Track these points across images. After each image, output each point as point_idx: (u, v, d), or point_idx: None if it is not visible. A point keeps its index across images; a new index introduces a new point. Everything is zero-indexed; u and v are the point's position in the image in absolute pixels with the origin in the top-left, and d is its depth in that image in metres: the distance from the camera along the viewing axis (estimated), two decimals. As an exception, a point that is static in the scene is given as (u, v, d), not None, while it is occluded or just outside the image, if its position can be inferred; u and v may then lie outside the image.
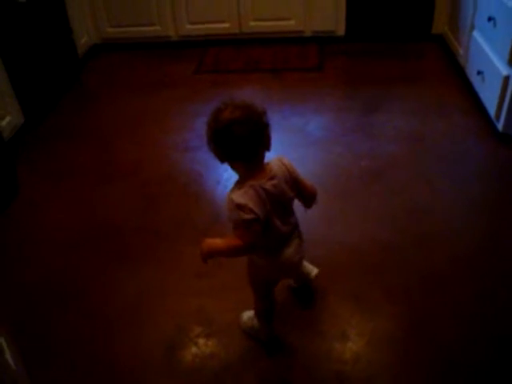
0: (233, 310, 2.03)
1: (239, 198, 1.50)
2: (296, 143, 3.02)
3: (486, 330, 1.91)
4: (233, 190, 1.55)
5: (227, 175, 2.53)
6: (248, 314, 1.97)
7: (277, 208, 1.57)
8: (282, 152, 2.86)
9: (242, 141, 1.47)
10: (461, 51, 3.47)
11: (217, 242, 1.58)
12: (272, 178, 1.55)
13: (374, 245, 2.29)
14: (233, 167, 1.56)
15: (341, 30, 4.09)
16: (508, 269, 2.14)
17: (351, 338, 1.91)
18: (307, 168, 2.78)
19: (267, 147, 1.56)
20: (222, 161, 1.55)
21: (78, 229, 2.49)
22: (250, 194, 1.50)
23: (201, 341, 1.94)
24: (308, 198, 1.71)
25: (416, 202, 2.51)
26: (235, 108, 1.49)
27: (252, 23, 4.08)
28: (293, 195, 1.63)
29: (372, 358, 1.84)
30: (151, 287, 2.17)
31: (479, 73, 3.05)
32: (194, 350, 1.92)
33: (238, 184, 1.55)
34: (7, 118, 2.97)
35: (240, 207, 1.48)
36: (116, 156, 3.00)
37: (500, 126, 2.85)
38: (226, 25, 4.10)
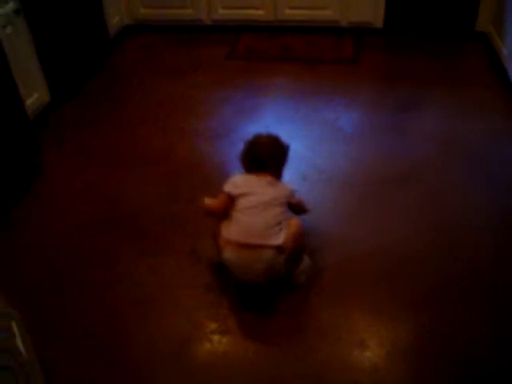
0: (250, 308, 1.99)
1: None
2: (325, 138, 2.93)
3: (509, 344, 1.82)
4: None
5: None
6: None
7: None
8: (311, 145, 2.85)
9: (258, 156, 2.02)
10: (505, 51, 3.32)
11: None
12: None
13: (400, 251, 2.20)
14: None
15: (379, 23, 3.95)
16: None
17: (370, 347, 1.84)
18: (335, 164, 2.72)
19: (276, 171, 2.05)
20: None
21: (97, 215, 2.46)
22: None
23: (215, 337, 1.89)
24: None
25: (446, 211, 2.40)
26: (264, 136, 2.09)
27: (287, 11, 3.98)
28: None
29: (390, 369, 1.77)
30: (168, 279, 2.12)
31: (523, 75, 2.92)
32: (208, 346, 1.87)
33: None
34: (34, 96, 2.95)
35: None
36: (141, 141, 2.95)
37: (541, 132, 2.71)
38: (261, 11, 4.00)
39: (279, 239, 1.88)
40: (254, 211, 1.91)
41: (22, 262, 2.23)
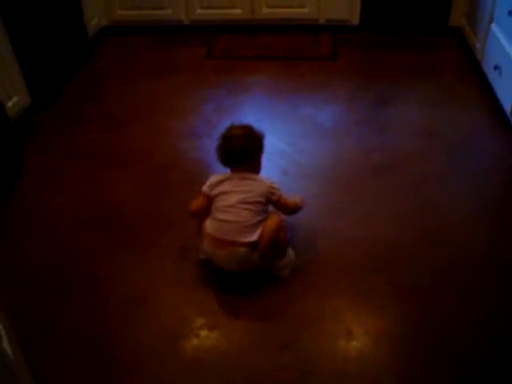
0: (236, 302, 2.01)
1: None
2: (306, 133, 2.96)
3: (500, 332, 1.86)
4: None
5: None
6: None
7: None
8: (291, 141, 2.89)
9: (231, 151, 1.99)
10: (478, 45, 3.39)
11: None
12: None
13: (382, 241, 2.24)
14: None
15: (355, 20, 4.01)
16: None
17: (357, 336, 1.87)
18: (315, 158, 2.76)
19: (254, 164, 2.04)
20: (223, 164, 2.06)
21: (82, 214, 2.46)
22: None
23: (203, 333, 1.91)
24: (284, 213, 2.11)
25: (427, 199, 2.46)
26: (238, 129, 2.03)
27: (265, 10, 4.01)
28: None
29: (378, 358, 1.80)
30: (155, 276, 2.13)
31: (496, 68, 2.98)
32: (195, 341, 1.89)
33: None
34: (14, 99, 2.93)
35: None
36: (123, 141, 2.96)
37: (515, 122, 2.78)
38: (238, 10, 4.02)
39: (253, 237, 1.92)
40: (230, 210, 1.94)
41: (6, 264, 2.23)
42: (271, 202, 2.01)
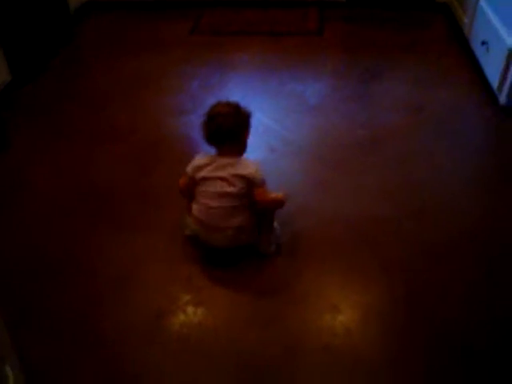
0: (222, 278, 2.01)
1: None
2: (293, 109, 2.94)
3: (485, 306, 1.87)
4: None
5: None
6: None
7: None
8: (278, 117, 2.86)
9: (216, 130, 1.91)
10: (465, 20, 3.37)
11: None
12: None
13: (369, 217, 2.24)
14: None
15: (343, -5, 3.96)
16: (508, 243, 2.11)
17: (342, 311, 1.88)
18: (303, 135, 2.75)
19: (240, 143, 1.97)
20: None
21: (66, 193, 2.43)
22: None
23: (189, 309, 1.91)
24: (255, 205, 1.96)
25: (413, 174, 2.46)
26: (223, 106, 1.94)
27: (251, -16, 3.95)
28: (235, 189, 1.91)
29: (364, 333, 1.81)
30: (141, 254, 2.12)
31: (483, 43, 2.96)
32: (182, 318, 1.88)
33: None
34: (-6, 75, 2.87)
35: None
36: (108, 119, 2.91)
37: (502, 98, 2.78)
38: (224, -15, 3.96)
39: (239, 220, 1.93)
40: (213, 196, 1.92)
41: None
42: (250, 188, 1.91)
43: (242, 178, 1.90)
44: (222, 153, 1.96)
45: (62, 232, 2.24)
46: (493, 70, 2.86)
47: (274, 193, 1.97)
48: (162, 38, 3.71)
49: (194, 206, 1.98)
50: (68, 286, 2.01)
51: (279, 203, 1.98)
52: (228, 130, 1.91)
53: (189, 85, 3.17)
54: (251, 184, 1.91)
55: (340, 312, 1.88)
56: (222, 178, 1.91)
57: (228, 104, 1.96)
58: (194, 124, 2.78)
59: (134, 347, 1.79)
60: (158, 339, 1.81)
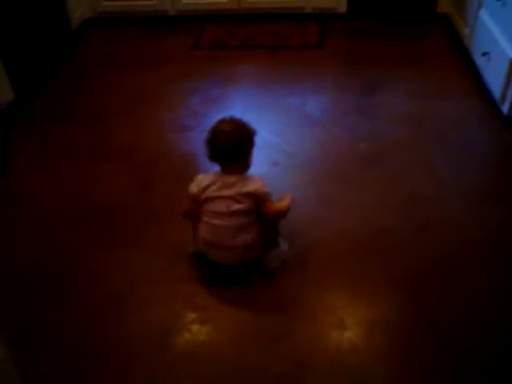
0: (227, 295, 1.99)
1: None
2: (293, 123, 2.94)
3: (492, 320, 1.86)
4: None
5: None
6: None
7: None
8: (279, 132, 2.86)
9: (220, 148, 1.88)
10: (466, 31, 3.37)
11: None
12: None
13: (374, 230, 2.23)
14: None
15: (342, 8, 3.97)
16: None
17: (349, 326, 1.86)
18: (305, 148, 2.74)
19: (243, 161, 1.94)
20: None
21: (67, 210, 2.42)
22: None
23: (195, 327, 1.89)
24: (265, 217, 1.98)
25: (416, 188, 2.45)
26: (228, 124, 1.90)
27: (251, -1, 3.97)
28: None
29: (372, 347, 1.80)
30: (144, 272, 2.11)
31: (484, 54, 2.96)
32: (187, 336, 1.87)
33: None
34: (-3, 94, 2.88)
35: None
36: (109, 135, 2.91)
37: (505, 109, 2.77)
38: (225, 0, 3.97)
39: (248, 237, 1.92)
40: (220, 216, 1.91)
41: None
42: (257, 203, 1.92)
43: (249, 195, 1.90)
44: (226, 171, 1.94)
45: (62, 248, 2.23)
46: (494, 80, 2.86)
47: (279, 202, 1.97)
48: (162, 54, 3.73)
49: (201, 226, 1.97)
50: (69, 303, 2.00)
51: (288, 209, 1.97)
52: (232, 148, 1.88)
53: (190, 99, 3.18)
54: (258, 200, 1.91)
55: (347, 327, 1.86)
56: (228, 197, 1.90)
57: (232, 121, 1.93)
58: (195, 139, 2.78)
59: (139, 366, 1.77)
60: (163, 358, 1.80)
